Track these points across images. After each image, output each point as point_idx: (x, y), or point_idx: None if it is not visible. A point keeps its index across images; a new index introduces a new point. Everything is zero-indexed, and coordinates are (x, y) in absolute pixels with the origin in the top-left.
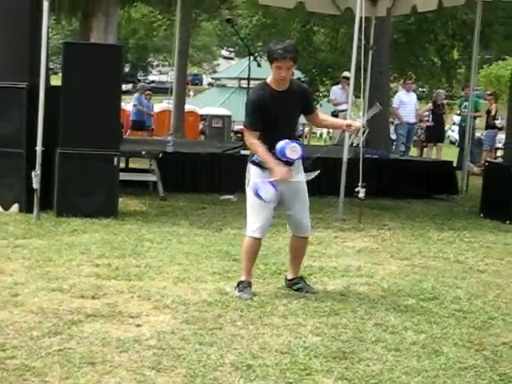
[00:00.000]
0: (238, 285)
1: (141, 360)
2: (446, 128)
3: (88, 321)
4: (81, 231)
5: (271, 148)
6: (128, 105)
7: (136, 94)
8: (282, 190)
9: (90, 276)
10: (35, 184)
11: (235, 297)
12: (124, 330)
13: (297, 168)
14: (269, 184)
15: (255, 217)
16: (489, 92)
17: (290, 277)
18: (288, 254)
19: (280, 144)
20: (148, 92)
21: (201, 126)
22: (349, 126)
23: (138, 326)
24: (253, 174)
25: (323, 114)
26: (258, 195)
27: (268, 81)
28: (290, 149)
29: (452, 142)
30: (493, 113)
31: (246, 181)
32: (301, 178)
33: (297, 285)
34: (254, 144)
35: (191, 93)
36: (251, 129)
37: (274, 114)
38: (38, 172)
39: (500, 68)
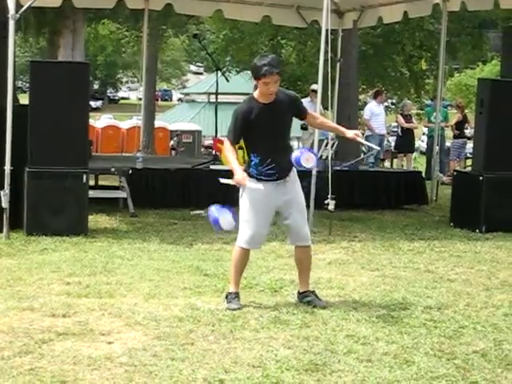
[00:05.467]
0: (227, 296)
1: (112, 377)
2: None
3: (59, 339)
4: (51, 250)
5: (264, 159)
6: (97, 122)
7: None
8: (279, 200)
9: (60, 294)
10: (4, 203)
11: (224, 309)
12: (95, 347)
13: (292, 179)
14: (227, 211)
15: (246, 227)
16: (455, 103)
17: (301, 290)
18: (296, 268)
19: (295, 154)
20: None
21: (171, 142)
22: (353, 138)
23: (110, 343)
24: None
25: (323, 117)
26: (216, 223)
27: (255, 95)
28: (305, 158)
29: (422, 152)
30: (453, 122)
31: (240, 192)
32: (297, 188)
33: (306, 298)
34: (228, 152)
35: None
36: (230, 139)
37: (263, 126)
38: (7, 191)
39: (469, 77)
